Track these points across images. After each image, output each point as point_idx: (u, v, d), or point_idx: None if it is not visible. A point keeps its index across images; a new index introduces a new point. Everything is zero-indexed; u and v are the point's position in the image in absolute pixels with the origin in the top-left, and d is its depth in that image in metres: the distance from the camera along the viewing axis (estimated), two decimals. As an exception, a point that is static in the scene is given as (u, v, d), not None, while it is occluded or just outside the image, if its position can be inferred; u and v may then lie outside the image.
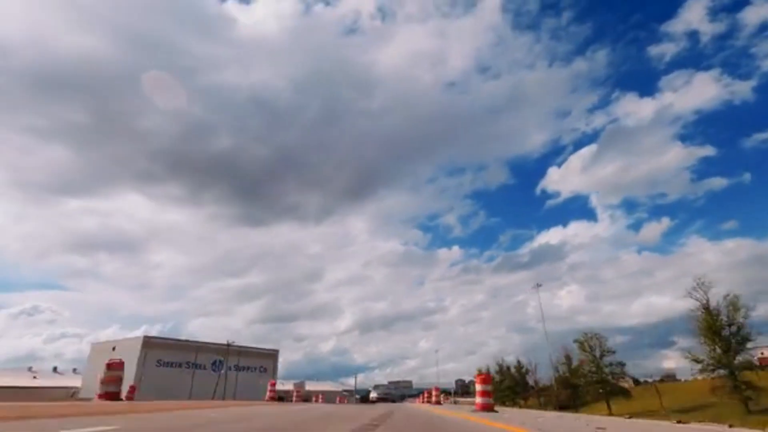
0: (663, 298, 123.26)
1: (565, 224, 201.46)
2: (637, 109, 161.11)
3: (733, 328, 28.72)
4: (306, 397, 33.59)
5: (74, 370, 65.33)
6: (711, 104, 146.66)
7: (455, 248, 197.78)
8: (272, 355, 59.49)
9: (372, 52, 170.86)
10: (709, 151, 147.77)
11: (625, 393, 38.67)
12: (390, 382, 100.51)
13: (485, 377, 12.60)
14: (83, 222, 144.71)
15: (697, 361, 29.70)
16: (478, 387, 12.50)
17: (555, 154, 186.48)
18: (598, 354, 38.32)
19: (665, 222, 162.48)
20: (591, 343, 38.92)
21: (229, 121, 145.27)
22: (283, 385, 49.56)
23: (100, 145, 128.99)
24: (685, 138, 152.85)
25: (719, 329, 28.97)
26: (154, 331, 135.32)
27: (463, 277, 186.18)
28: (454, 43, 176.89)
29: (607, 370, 37.52)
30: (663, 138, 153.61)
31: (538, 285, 47.59)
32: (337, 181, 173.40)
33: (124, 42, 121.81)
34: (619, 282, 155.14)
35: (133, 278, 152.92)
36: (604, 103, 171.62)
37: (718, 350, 28.85)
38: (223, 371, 51.23)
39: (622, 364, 37.84)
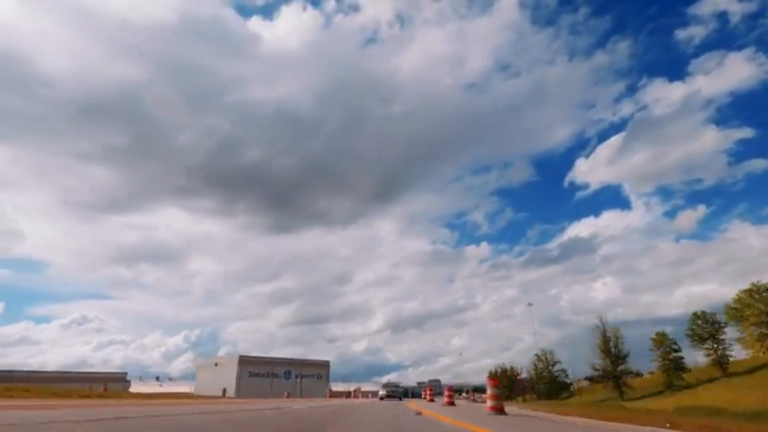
0: (706, 286, 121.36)
1: (597, 215, 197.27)
2: (667, 94, 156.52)
3: (615, 350, 45.39)
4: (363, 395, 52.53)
5: (167, 378, 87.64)
6: (746, 85, 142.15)
7: (484, 245, 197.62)
8: (325, 365, 79.43)
9: (392, 59, 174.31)
10: (746, 132, 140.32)
11: (567, 389, 55.71)
12: (418, 383, 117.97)
13: (495, 381, 12.94)
14: (126, 236, 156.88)
15: (595, 369, 46.64)
16: (489, 390, 12.91)
17: (581, 146, 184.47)
18: (550, 364, 55.58)
19: (702, 208, 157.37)
20: (547, 356, 56.21)
21: (257, 135, 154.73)
22: (335, 387, 69.29)
23: (140, 164, 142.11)
24: (719, 121, 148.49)
25: (608, 349, 45.68)
26: (193, 336, 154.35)
27: (493, 274, 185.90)
28: (473, 43, 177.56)
29: (555, 374, 54.81)
30: (696, 122, 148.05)
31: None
32: (363, 186, 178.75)
33: (159, 68, 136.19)
34: (657, 272, 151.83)
35: (173, 286, 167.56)
36: (631, 91, 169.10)
37: (608, 361, 45.66)
38: (291, 379, 71.38)
39: (564, 371, 55.01)
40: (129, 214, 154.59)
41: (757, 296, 40.89)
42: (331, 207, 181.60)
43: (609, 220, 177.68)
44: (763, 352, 39.89)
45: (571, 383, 55.54)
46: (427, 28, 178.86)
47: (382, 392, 34.71)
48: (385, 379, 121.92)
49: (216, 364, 71.36)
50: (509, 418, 10.79)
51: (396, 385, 35.56)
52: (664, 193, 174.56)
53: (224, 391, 60.29)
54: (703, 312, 44.74)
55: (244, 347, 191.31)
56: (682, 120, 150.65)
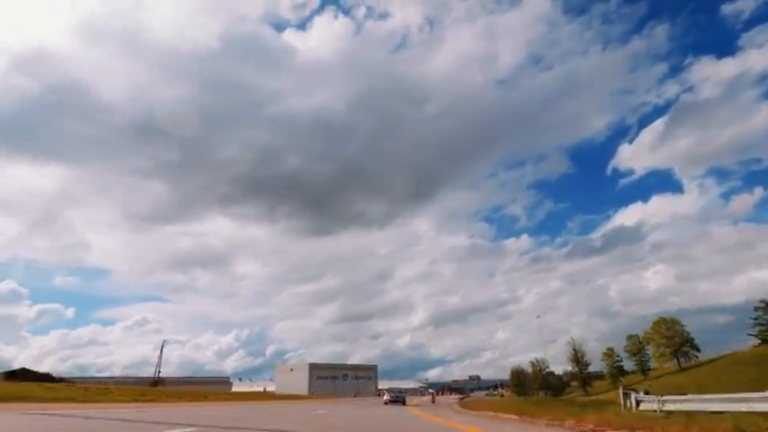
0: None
1: (645, 200, 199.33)
2: (716, 71, 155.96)
3: (584, 360, 62.89)
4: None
5: (240, 379, 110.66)
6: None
7: (524, 237, 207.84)
8: (374, 368, 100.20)
9: (423, 61, 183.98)
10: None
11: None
12: (453, 381, 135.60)
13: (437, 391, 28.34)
14: (179, 243, 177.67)
15: (565, 374, 64.64)
16: (430, 390, 30.62)
17: (622, 133, 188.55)
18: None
19: (759, 191, 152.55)
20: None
21: (295, 143, 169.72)
22: (381, 385, 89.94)
23: (190, 177, 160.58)
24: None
25: (577, 359, 63.38)
26: (243, 335, 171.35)
27: (535, 266, 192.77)
28: (503, 39, 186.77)
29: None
30: (749, 99, 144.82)
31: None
32: (398, 187, 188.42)
33: (204, 88, 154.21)
34: (714, 258, 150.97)
35: (223, 289, 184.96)
36: (675, 72, 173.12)
37: (577, 368, 63.40)
38: (348, 380, 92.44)
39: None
40: (181, 223, 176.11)
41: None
42: (368, 208, 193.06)
43: (659, 205, 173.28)
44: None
45: (572, 382, 71.67)
46: (457, 27, 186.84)
47: (386, 397, 37.29)
48: (428, 374, 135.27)
49: (291, 369, 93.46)
50: (445, 408, 30.26)
51: (399, 391, 40.05)
52: (719, 174, 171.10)
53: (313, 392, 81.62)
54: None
55: (291, 345, 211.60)
56: (733, 97, 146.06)
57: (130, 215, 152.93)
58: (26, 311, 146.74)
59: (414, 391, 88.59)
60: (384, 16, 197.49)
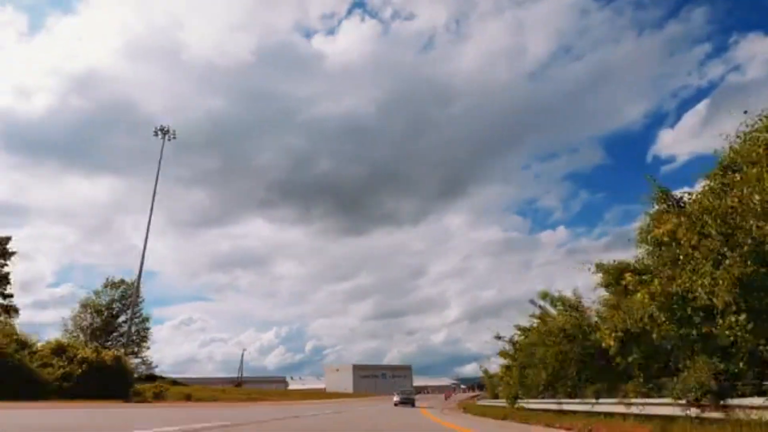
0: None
1: (691, 186, 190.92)
2: (764, 48, 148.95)
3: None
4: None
5: (291, 377, 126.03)
6: None
7: (560, 229, 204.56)
8: (408, 368, 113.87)
9: (450, 59, 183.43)
10: None
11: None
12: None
13: None
14: (221, 246, 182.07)
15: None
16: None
17: (659, 120, 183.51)
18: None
19: None
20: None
21: (327, 147, 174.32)
22: (416, 382, 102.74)
23: (229, 183, 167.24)
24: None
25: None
26: (283, 332, 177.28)
27: (572, 258, 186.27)
28: (532, 30, 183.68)
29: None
30: None
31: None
32: (429, 184, 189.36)
33: (242, 98, 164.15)
34: None
35: (263, 288, 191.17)
36: (719, 52, 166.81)
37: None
38: (387, 378, 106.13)
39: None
40: (222, 227, 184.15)
41: None
42: (400, 207, 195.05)
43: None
44: None
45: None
46: (484, 22, 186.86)
47: (396, 398, 37.58)
48: (464, 369, 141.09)
49: (337, 370, 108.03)
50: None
51: (410, 392, 41.46)
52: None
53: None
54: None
55: (329, 341, 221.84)
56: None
57: (175, 221, 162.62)
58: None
59: (445, 389, 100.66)
60: (410, 16, 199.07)
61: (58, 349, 24.48)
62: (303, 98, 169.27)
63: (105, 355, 25.71)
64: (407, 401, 35.92)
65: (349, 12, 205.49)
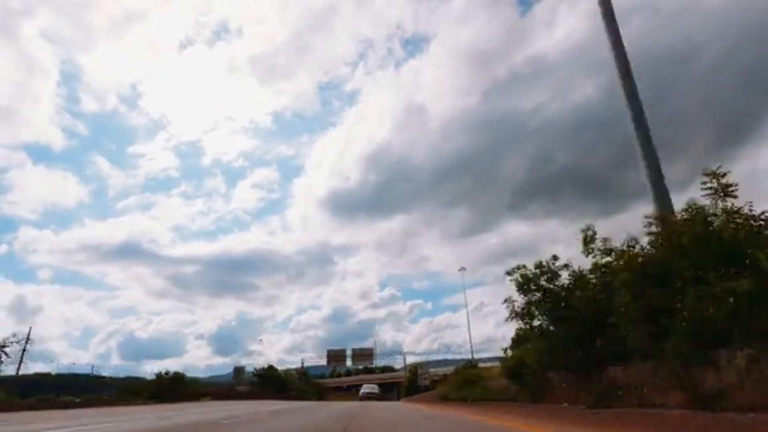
0: None
1: None
2: None
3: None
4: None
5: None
6: None
7: None
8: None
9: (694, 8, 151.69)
10: None
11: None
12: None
13: None
14: (488, 243, 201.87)
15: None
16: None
17: None
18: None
19: None
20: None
21: (562, 143, 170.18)
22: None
23: (482, 196, 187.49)
24: None
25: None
26: None
27: None
28: None
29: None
30: None
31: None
32: (694, 146, 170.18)
33: (476, 132, 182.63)
34: None
35: None
36: None
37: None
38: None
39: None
40: (484, 233, 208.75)
41: None
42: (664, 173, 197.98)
43: None
44: None
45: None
46: None
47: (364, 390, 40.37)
48: None
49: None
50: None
51: (376, 388, 43.33)
52: None
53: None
54: None
55: None
56: None
57: (447, 234, 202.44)
58: (402, 307, 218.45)
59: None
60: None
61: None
62: (531, 110, 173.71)
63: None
64: (372, 396, 39.17)
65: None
